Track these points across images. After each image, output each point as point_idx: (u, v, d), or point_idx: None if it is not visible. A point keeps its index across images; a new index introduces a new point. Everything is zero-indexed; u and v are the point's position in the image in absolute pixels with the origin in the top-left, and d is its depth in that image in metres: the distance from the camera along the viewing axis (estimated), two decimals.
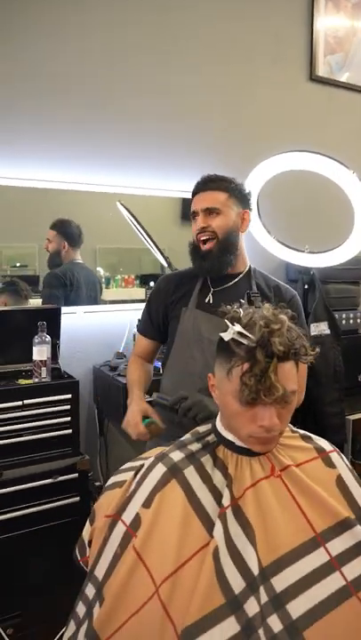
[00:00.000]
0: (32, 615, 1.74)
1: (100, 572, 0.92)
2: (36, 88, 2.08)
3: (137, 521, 0.90)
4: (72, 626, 0.96)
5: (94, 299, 2.35)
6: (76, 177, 2.19)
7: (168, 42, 2.36)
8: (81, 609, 0.95)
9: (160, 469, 0.94)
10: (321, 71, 2.85)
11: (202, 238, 1.44)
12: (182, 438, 1.03)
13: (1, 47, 2.01)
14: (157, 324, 1.57)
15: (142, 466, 1.01)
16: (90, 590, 0.94)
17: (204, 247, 1.44)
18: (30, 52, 2.07)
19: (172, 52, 2.38)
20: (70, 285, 2.26)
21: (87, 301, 2.31)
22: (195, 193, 1.49)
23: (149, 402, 1.43)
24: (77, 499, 1.80)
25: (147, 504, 0.91)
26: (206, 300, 1.46)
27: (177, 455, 0.96)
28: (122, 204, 2.26)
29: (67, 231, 2.24)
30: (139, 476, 0.98)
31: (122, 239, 2.41)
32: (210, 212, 1.43)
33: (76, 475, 1.80)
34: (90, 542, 1.03)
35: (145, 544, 0.86)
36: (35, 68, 2.08)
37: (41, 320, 1.83)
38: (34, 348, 1.80)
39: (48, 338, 1.82)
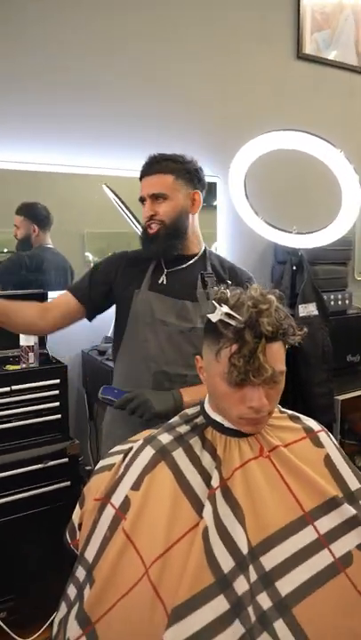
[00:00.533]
0: (24, 599, 1.75)
1: (90, 554, 0.93)
2: (18, 66, 2.03)
3: (126, 503, 0.90)
4: (63, 608, 0.97)
5: (64, 284, 2.20)
6: (59, 159, 2.14)
7: (153, 22, 2.31)
8: (72, 591, 0.96)
9: (149, 452, 0.94)
10: (308, 49, 2.80)
11: (151, 225, 1.40)
12: (170, 421, 1.02)
13: None
14: (95, 294, 1.47)
15: (131, 449, 1.01)
16: (80, 573, 0.95)
17: (151, 231, 1.41)
18: (13, 30, 2.01)
19: (157, 33, 2.32)
20: (36, 271, 2.16)
21: (56, 287, 2.14)
22: (141, 176, 1.43)
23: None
24: (68, 483, 1.80)
25: (136, 486, 0.90)
26: (160, 282, 1.42)
27: (165, 437, 0.95)
28: (108, 187, 2.22)
29: (35, 214, 2.15)
30: (127, 459, 0.98)
31: (110, 223, 2.35)
32: (156, 197, 1.39)
33: (67, 459, 1.80)
34: (80, 526, 1.03)
35: (134, 526, 0.87)
36: (13, 45, 2.02)
37: None
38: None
39: None
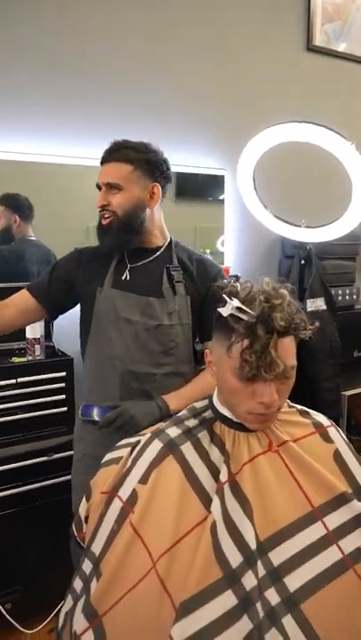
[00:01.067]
0: (28, 591, 1.75)
1: (96, 547, 0.92)
2: (17, 55, 2.01)
3: (133, 497, 0.89)
4: (69, 600, 0.96)
5: None
6: (63, 150, 2.11)
7: (156, 12, 2.28)
8: (78, 584, 0.95)
9: (157, 445, 0.93)
10: (318, 40, 2.76)
11: (105, 216, 1.34)
12: (179, 414, 1.01)
13: None
14: (56, 292, 1.41)
15: (138, 442, 1.00)
16: (87, 566, 0.94)
17: (104, 221, 1.34)
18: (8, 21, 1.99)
19: (161, 23, 2.29)
20: (18, 264, 2.08)
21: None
22: (101, 162, 1.36)
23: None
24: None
25: (143, 480, 0.90)
26: (123, 278, 1.36)
27: (173, 431, 0.95)
28: None
29: (16, 204, 2.06)
30: (135, 453, 0.97)
31: None
32: (111, 187, 1.31)
33: (72, 452, 1.80)
34: (86, 518, 1.03)
35: (142, 519, 0.86)
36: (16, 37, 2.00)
37: None
38: (27, 326, 1.78)
39: None
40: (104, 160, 1.34)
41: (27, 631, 1.72)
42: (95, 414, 1.25)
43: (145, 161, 1.32)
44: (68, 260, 1.46)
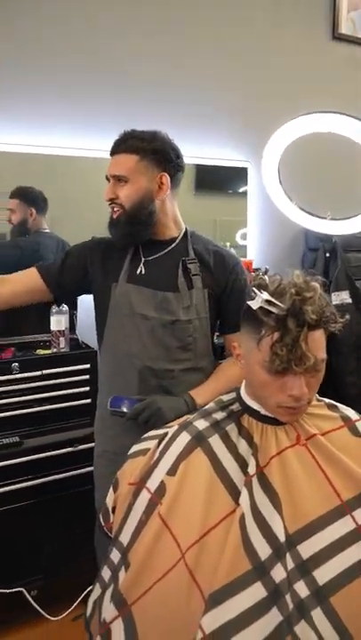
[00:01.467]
0: (53, 578, 1.78)
1: (124, 537, 0.93)
2: (48, 49, 2.02)
3: (162, 488, 0.90)
4: (97, 589, 0.98)
5: None
6: (89, 144, 2.13)
7: (183, 4, 2.26)
8: (106, 573, 0.97)
9: (185, 437, 0.93)
10: (344, 28, 2.71)
11: (114, 209, 1.31)
12: (206, 407, 1.02)
13: None
14: (66, 279, 1.38)
15: (166, 434, 1.01)
16: (115, 555, 0.95)
17: (114, 215, 1.32)
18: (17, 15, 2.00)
19: (187, 15, 2.28)
20: (33, 256, 2.06)
21: None
22: (110, 154, 1.33)
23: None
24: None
25: (171, 472, 0.90)
26: (138, 272, 1.32)
27: (201, 424, 0.95)
28: None
29: (32, 197, 2.07)
30: (163, 445, 0.98)
31: None
32: (118, 179, 1.28)
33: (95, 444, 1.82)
34: (114, 509, 1.04)
35: (170, 511, 0.86)
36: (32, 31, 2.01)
37: None
38: (52, 317, 1.80)
39: (65, 308, 1.81)
40: (112, 152, 1.32)
41: (52, 618, 1.76)
42: (124, 406, 1.24)
43: (151, 150, 1.28)
44: (83, 247, 1.42)
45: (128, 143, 1.28)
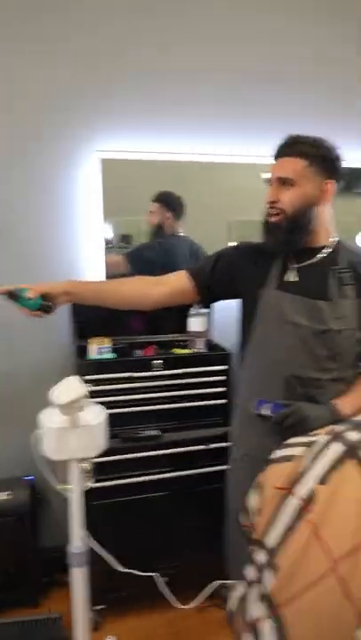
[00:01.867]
0: (185, 568, 1.86)
1: (270, 541, 0.94)
2: (168, 59, 2.10)
3: (312, 496, 0.90)
4: (241, 587, 1.00)
5: None
6: (211, 148, 2.17)
7: None
8: (250, 572, 0.99)
9: (337, 448, 0.92)
10: None
11: (273, 213, 1.28)
12: (356, 418, 0.99)
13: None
14: (216, 283, 1.40)
15: (312, 442, 1.00)
16: (259, 556, 0.97)
17: (272, 219, 1.29)
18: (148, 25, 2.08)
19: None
20: (167, 258, 2.22)
21: None
22: (274, 157, 1.31)
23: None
24: (227, 467, 1.86)
25: (323, 481, 0.90)
26: (289, 279, 1.31)
27: (355, 435, 0.93)
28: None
29: (171, 202, 2.20)
30: (312, 453, 0.97)
31: (261, 212, 2.32)
32: (283, 181, 1.26)
33: (227, 444, 1.86)
34: (257, 511, 1.06)
35: (321, 520, 0.86)
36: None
37: None
38: (191, 319, 1.88)
39: (205, 310, 1.88)
40: (277, 155, 1.32)
41: (183, 607, 1.83)
42: (269, 410, 1.26)
43: (321, 157, 1.27)
44: (232, 253, 1.44)
45: (297, 147, 1.28)
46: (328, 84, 2.26)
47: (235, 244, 1.49)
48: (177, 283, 1.43)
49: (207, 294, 1.44)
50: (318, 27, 2.23)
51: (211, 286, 1.42)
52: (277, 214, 1.29)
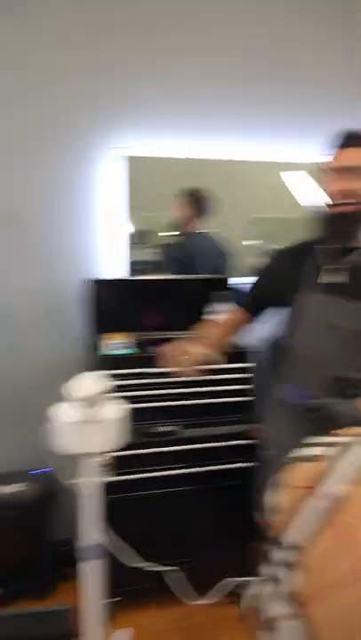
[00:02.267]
0: (201, 563, 1.86)
1: (292, 540, 0.94)
2: (198, 62, 2.09)
3: (335, 498, 0.89)
4: (259, 585, 1.00)
5: (217, 269, 2.25)
6: (232, 147, 2.19)
7: None
8: (270, 570, 0.98)
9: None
10: None
11: (350, 202, 1.26)
12: None
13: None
14: (260, 299, 1.49)
15: (335, 443, 0.99)
16: (279, 556, 0.96)
17: (340, 209, 1.27)
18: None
19: None
20: (192, 254, 2.25)
21: (207, 272, 2.22)
22: (339, 147, 1.31)
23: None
24: (248, 464, 1.86)
25: (347, 482, 0.89)
26: (328, 280, 1.32)
27: None
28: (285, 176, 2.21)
29: (197, 199, 2.22)
30: (335, 453, 0.96)
31: (280, 209, 2.33)
32: (352, 171, 1.25)
33: (249, 441, 1.86)
34: (278, 509, 1.05)
35: (346, 522, 0.85)
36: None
37: (209, 289, 1.94)
38: (207, 316, 1.86)
39: (221, 307, 1.86)
40: (343, 145, 1.31)
41: (197, 602, 1.83)
42: (301, 400, 1.29)
43: None
44: (269, 265, 1.49)
45: None
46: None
47: (272, 249, 1.56)
48: (237, 322, 1.53)
49: (257, 313, 1.51)
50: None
51: (259, 304, 1.50)
52: (352, 204, 1.27)
